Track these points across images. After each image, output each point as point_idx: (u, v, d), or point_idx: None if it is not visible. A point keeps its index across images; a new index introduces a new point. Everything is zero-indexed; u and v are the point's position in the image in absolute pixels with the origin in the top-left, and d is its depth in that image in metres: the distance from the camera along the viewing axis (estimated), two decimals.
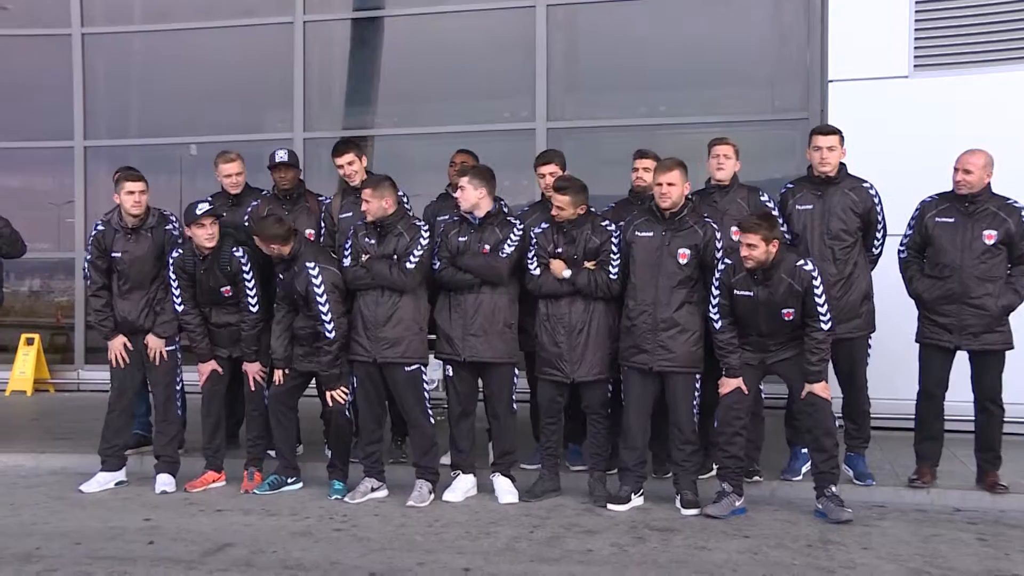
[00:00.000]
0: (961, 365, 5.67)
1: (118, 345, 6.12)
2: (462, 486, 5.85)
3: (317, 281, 5.65)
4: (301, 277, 5.69)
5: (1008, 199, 5.56)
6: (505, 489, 5.80)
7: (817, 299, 5.22)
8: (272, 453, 6.19)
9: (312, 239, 6.32)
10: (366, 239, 5.75)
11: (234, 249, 5.93)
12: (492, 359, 5.72)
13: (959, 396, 5.71)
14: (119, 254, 6.03)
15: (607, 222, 5.75)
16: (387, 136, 10.00)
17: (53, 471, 6.64)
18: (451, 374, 5.84)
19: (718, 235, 5.55)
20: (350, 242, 5.84)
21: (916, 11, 7.68)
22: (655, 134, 9.19)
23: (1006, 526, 5.28)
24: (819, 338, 5.26)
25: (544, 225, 5.81)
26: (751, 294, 5.28)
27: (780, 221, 5.60)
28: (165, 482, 6.08)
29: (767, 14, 9.16)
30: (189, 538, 5.07)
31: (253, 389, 6.10)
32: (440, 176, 6.65)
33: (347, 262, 5.78)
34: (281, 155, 6.54)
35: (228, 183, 6.62)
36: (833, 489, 5.35)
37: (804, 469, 5.92)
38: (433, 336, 5.98)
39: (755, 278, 5.26)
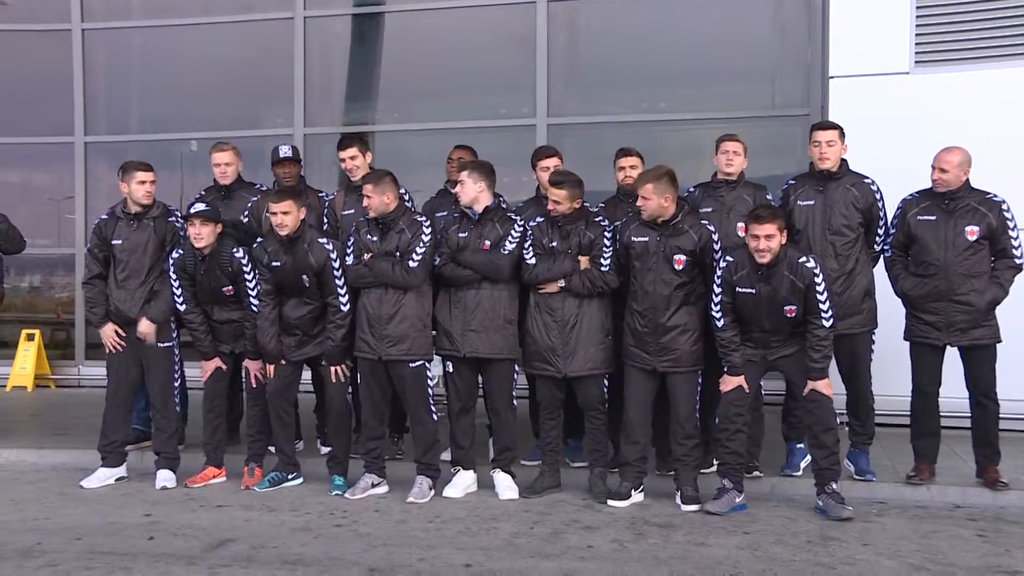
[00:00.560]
0: (954, 362, 5.67)
1: (109, 332, 6.11)
2: (462, 482, 5.85)
3: (334, 254, 5.72)
4: (315, 251, 5.72)
5: (988, 193, 5.57)
6: (505, 485, 5.80)
7: (819, 295, 5.22)
8: (272, 449, 6.19)
9: None
10: (368, 236, 5.75)
11: (234, 250, 5.94)
12: (492, 355, 5.71)
13: (955, 392, 5.72)
14: (119, 241, 6.04)
15: (600, 217, 5.77)
16: (387, 132, 9.98)
17: (54, 467, 6.65)
18: (451, 370, 5.84)
19: (715, 236, 5.55)
20: (352, 239, 5.83)
21: (917, 7, 7.67)
22: (656, 130, 9.19)
23: (1006, 522, 5.29)
24: (820, 335, 5.26)
25: (539, 219, 5.82)
26: (754, 291, 5.28)
27: None
28: (165, 478, 6.09)
29: (768, 10, 9.14)
30: (189, 533, 5.07)
31: (255, 386, 6.11)
32: (440, 172, 6.64)
33: (350, 260, 5.77)
34: (285, 151, 6.55)
35: (218, 172, 6.62)
36: (834, 486, 5.36)
37: (803, 464, 5.93)
38: (434, 332, 5.99)
39: (759, 274, 5.25)
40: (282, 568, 4.52)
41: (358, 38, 10.36)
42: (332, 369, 5.86)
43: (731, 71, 9.16)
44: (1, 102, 10.55)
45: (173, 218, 6.18)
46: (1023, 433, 6.96)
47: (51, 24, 10.52)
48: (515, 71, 9.58)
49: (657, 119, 9.41)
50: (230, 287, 5.98)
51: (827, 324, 5.26)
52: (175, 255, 6.00)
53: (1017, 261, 5.55)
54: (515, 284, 5.77)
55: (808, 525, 5.20)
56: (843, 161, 5.81)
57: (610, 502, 5.58)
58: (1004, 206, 5.52)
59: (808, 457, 5.71)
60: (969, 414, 5.75)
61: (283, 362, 5.94)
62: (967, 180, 5.55)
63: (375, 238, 5.73)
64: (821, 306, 5.23)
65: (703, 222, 5.61)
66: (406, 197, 6.35)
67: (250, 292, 5.96)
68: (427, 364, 5.78)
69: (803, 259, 5.27)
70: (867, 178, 5.81)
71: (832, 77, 7.88)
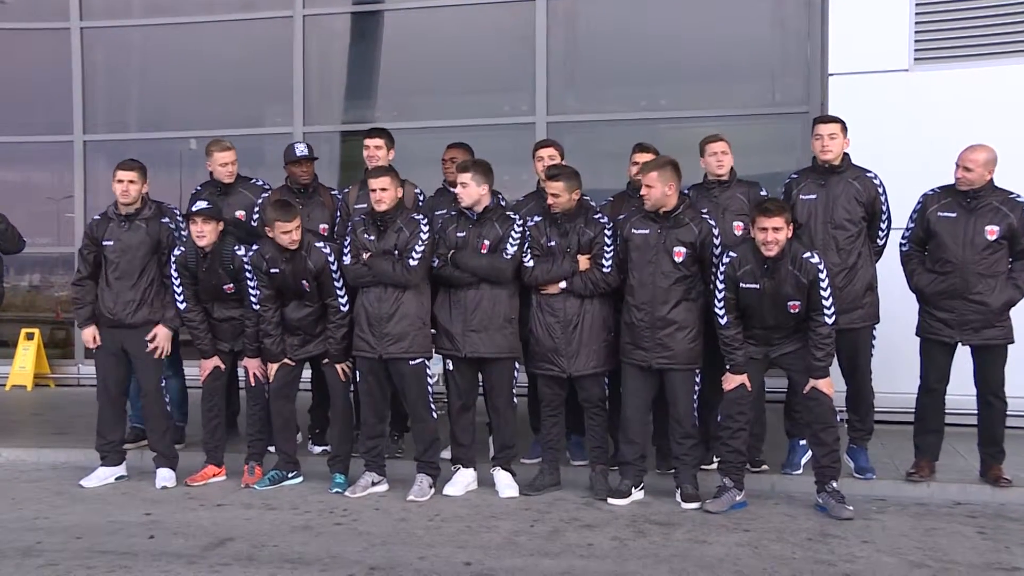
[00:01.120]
0: (961, 359, 5.67)
1: (88, 336, 6.11)
2: (462, 480, 5.85)
3: (332, 257, 5.74)
4: (313, 256, 5.75)
5: (1011, 193, 5.54)
6: (505, 483, 5.80)
7: (822, 292, 5.21)
8: (272, 448, 6.19)
9: (325, 234, 6.32)
10: (365, 235, 5.74)
11: (236, 248, 5.93)
12: (492, 355, 5.71)
13: (958, 390, 5.72)
14: (111, 242, 6.03)
15: (599, 214, 5.75)
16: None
17: (54, 465, 6.65)
18: (451, 368, 5.84)
19: (715, 231, 5.54)
20: (349, 239, 5.82)
21: (916, 4, 7.65)
22: (655, 128, 9.17)
23: (1006, 519, 5.29)
24: (823, 333, 5.25)
25: (537, 218, 5.80)
26: (757, 287, 5.27)
27: None
28: (165, 477, 6.09)
29: (767, 7, 9.13)
30: (190, 532, 5.07)
31: (253, 384, 6.10)
32: (440, 170, 6.64)
33: (347, 260, 5.76)
34: (301, 149, 6.52)
35: (223, 172, 6.61)
36: (834, 484, 5.36)
37: (803, 461, 5.93)
38: (434, 331, 5.98)
39: (764, 268, 5.24)
40: (282, 567, 4.52)
41: (357, 36, 10.35)
42: (338, 367, 5.87)
43: (731, 68, 9.15)
44: (0, 101, 10.53)
45: (167, 219, 6.15)
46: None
47: (50, 22, 10.51)
48: (515, 69, 9.58)
49: (657, 117, 9.39)
50: (231, 285, 5.98)
51: (829, 322, 5.25)
52: (177, 252, 5.99)
53: None
54: (516, 283, 5.76)
55: (808, 523, 5.20)
56: (845, 155, 5.79)
57: (610, 500, 5.57)
58: None
59: (809, 453, 5.71)
60: (971, 411, 5.75)
61: (287, 361, 5.95)
62: (991, 179, 5.52)
63: (372, 236, 5.71)
64: (824, 303, 5.22)
65: (704, 215, 5.61)
66: (421, 197, 6.37)
67: (251, 290, 5.96)
68: (427, 362, 5.78)
69: (808, 255, 5.26)
70: (870, 172, 5.79)
71: (832, 74, 7.86)
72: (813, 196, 5.77)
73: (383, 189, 5.66)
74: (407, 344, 5.66)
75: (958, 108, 7.29)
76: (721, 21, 9.08)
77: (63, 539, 4.97)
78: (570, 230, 5.65)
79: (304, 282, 5.79)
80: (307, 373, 6.26)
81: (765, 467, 5.95)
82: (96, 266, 6.11)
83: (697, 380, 5.56)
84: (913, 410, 5.86)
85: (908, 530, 5.08)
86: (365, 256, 5.67)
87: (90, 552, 4.75)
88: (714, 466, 5.83)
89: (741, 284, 5.30)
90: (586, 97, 9.70)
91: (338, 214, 6.49)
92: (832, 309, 5.25)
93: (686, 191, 5.98)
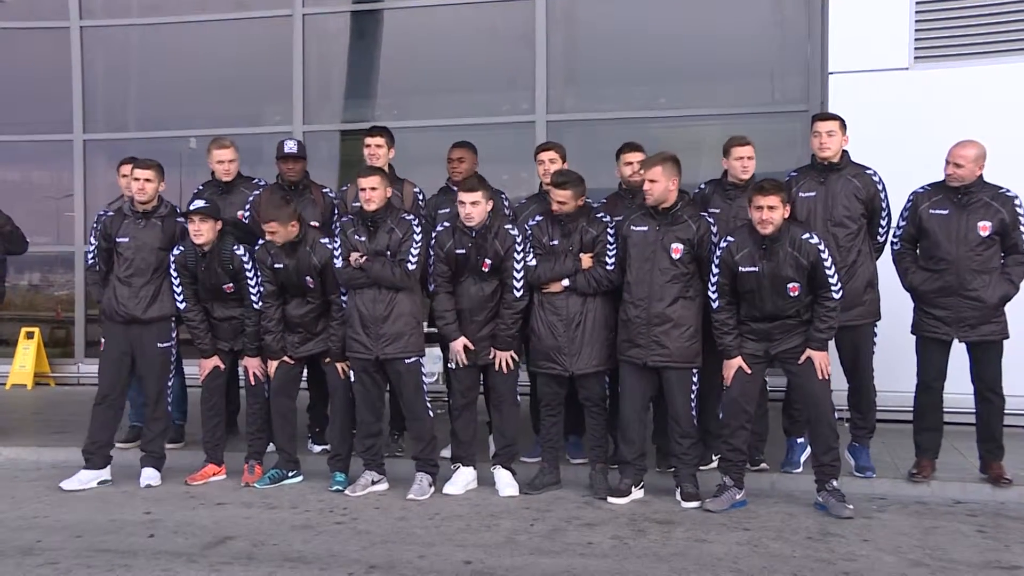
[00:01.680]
0: (958, 357, 5.67)
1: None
2: (462, 479, 5.85)
3: (337, 253, 5.73)
4: (318, 252, 5.77)
5: (1001, 188, 5.55)
6: (505, 482, 5.80)
7: (827, 270, 5.19)
8: (272, 447, 6.19)
9: None
10: (356, 235, 5.71)
11: (235, 247, 5.93)
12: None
13: (957, 388, 5.71)
14: (125, 239, 6.02)
15: (602, 213, 5.75)
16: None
17: (54, 464, 6.64)
18: (453, 367, 5.84)
19: (714, 229, 5.54)
20: (339, 240, 5.77)
21: (917, 3, 7.65)
22: (655, 127, 9.18)
23: (1006, 518, 5.29)
24: (830, 306, 5.24)
25: (539, 217, 5.79)
26: (756, 269, 5.25)
27: None
28: (150, 476, 6.08)
29: (767, 6, 9.14)
30: (190, 531, 5.07)
31: (253, 384, 6.10)
32: (440, 169, 6.64)
33: (339, 263, 5.73)
34: (291, 146, 6.52)
35: (221, 170, 6.60)
36: (835, 483, 5.35)
37: (803, 459, 5.93)
38: (433, 329, 5.99)
39: (762, 249, 5.23)
40: (282, 565, 4.52)
41: (357, 35, 10.35)
42: (338, 366, 5.87)
43: (731, 67, 9.15)
44: (0, 100, 10.53)
45: (182, 218, 6.15)
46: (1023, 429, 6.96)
47: (50, 21, 10.52)
48: (514, 68, 9.58)
49: (656, 115, 9.41)
50: (231, 284, 5.97)
51: (837, 296, 5.24)
52: (176, 252, 5.99)
53: None
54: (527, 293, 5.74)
55: (808, 521, 5.20)
56: (844, 152, 5.79)
57: (610, 499, 5.57)
58: (1017, 201, 5.49)
59: (808, 450, 5.72)
60: (971, 409, 5.74)
61: (287, 359, 5.95)
62: (981, 175, 5.52)
63: (363, 237, 5.69)
64: (830, 280, 5.21)
65: (703, 214, 5.60)
66: (420, 196, 6.36)
67: (251, 289, 5.96)
68: (421, 361, 5.77)
69: (806, 235, 5.25)
70: (869, 169, 5.79)
71: (832, 73, 7.86)
72: (813, 194, 5.76)
73: (373, 188, 5.65)
74: (403, 344, 5.66)
75: (958, 107, 7.29)
76: (721, 20, 9.09)
77: (63, 538, 4.97)
78: (573, 229, 5.65)
79: (308, 278, 5.79)
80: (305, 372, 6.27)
81: (765, 466, 5.95)
82: (109, 263, 6.12)
83: (695, 380, 5.55)
84: (912, 409, 5.86)
85: (908, 529, 5.08)
86: (360, 259, 5.64)
87: (90, 551, 4.75)
88: (713, 465, 5.84)
89: (740, 268, 5.28)
90: (586, 96, 9.71)
91: (335, 212, 6.48)
92: (839, 285, 5.24)
93: (701, 187, 5.98)
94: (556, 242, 5.66)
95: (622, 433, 5.63)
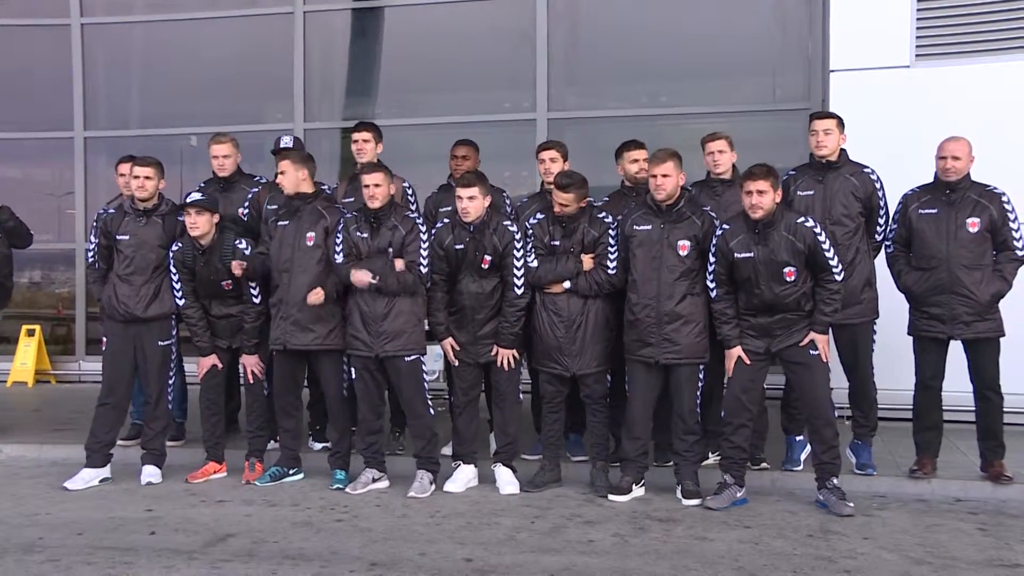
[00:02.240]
0: (958, 356, 5.67)
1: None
2: (463, 477, 5.85)
3: (339, 249, 5.75)
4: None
5: (988, 186, 5.58)
6: (506, 480, 5.80)
7: (826, 252, 5.19)
8: (273, 444, 6.19)
9: None
10: (358, 232, 5.70)
11: (237, 241, 5.93)
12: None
13: (957, 386, 5.72)
14: (126, 236, 6.02)
15: (604, 214, 5.73)
16: (388, 127, 9.88)
17: (55, 462, 6.65)
18: (456, 365, 5.84)
19: (717, 222, 5.53)
20: (341, 237, 5.77)
21: (918, 0, 7.65)
22: (656, 124, 9.18)
23: (1007, 516, 5.29)
24: (833, 288, 5.25)
25: (540, 216, 5.78)
26: (751, 254, 5.24)
27: None
28: (151, 473, 6.09)
29: (768, 3, 9.13)
30: (190, 529, 5.08)
31: (252, 381, 6.10)
32: (441, 167, 6.64)
33: (339, 259, 5.72)
34: (286, 140, 6.54)
35: (215, 165, 6.61)
36: (835, 481, 5.36)
37: (803, 457, 5.93)
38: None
39: (756, 234, 5.22)
40: (283, 563, 4.52)
41: (358, 33, 10.35)
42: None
43: (732, 65, 9.15)
44: (1, 97, 10.54)
45: (183, 216, 6.14)
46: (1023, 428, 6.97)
47: (50, 19, 10.52)
48: (515, 65, 9.58)
49: (657, 113, 9.41)
50: (229, 281, 5.97)
51: (839, 278, 5.25)
52: (175, 247, 5.99)
53: (1019, 253, 5.55)
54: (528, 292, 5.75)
55: (809, 519, 5.20)
56: (842, 151, 5.80)
57: (611, 496, 5.58)
58: (1004, 198, 5.53)
59: (808, 449, 5.72)
60: (971, 408, 5.75)
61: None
62: (968, 172, 5.55)
63: (365, 234, 5.69)
64: (831, 262, 5.21)
65: (705, 209, 5.61)
66: (410, 192, 6.35)
67: (251, 285, 5.95)
68: (421, 358, 5.77)
69: (801, 219, 5.25)
70: (867, 167, 5.80)
71: (833, 71, 7.86)
72: (811, 192, 5.77)
73: (376, 185, 5.64)
74: (403, 341, 5.65)
75: (960, 105, 7.29)
76: (722, 17, 9.08)
77: (64, 535, 4.97)
78: (574, 229, 5.64)
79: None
80: None
81: (765, 464, 5.95)
82: (109, 261, 6.11)
83: (701, 376, 5.56)
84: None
85: (909, 527, 5.08)
86: (372, 280, 5.56)
87: (91, 548, 4.75)
88: (710, 461, 5.84)
89: (735, 255, 5.27)
90: (587, 94, 9.71)
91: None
92: (840, 267, 5.25)
93: (688, 188, 5.98)
94: (557, 242, 5.65)
95: (628, 430, 5.63)
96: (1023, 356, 6.19)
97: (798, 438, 5.96)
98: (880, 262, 5.89)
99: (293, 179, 5.83)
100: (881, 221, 5.84)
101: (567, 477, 5.92)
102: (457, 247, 5.68)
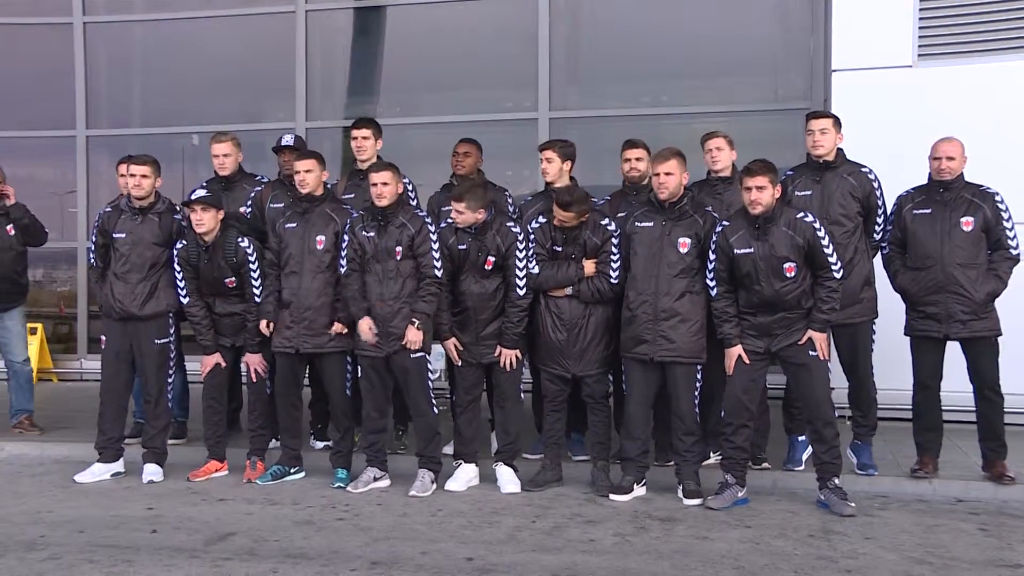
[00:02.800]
0: (958, 355, 5.67)
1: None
2: (464, 476, 5.86)
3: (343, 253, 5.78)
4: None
5: (981, 186, 5.59)
6: (507, 479, 5.80)
7: (824, 249, 5.19)
8: (275, 443, 6.20)
9: None
10: (364, 232, 5.70)
11: (239, 239, 5.93)
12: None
13: (957, 386, 5.71)
14: (122, 235, 6.02)
15: (607, 220, 5.70)
16: (390, 125, 9.89)
17: (57, 460, 6.66)
18: (458, 364, 5.84)
19: (718, 220, 5.53)
20: (347, 240, 5.73)
21: (920, 0, 7.65)
22: (658, 123, 9.18)
23: (1008, 516, 5.28)
24: (832, 286, 5.24)
25: (541, 220, 5.77)
26: (751, 250, 5.24)
27: None
28: (153, 472, 6.09)
29: (771, 3, 9.14)
30: (192, 527, 5.08)
31: (255, 380, 6.11)
32: (443, 165, 6.64)
33: (343, 266, 5.70)
34: (287, 139, 6.55)
35: (216, 163, 6.63)
36: (836, 481, 5.35)
37: (804, 457, 5.93)
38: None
39: (756, 229, 5.22)
40: (284, 561, 4.52)
41: (360, 32, 10.35)
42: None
43: (733, 64, 9.15)
44: (2, 96, 10.55)
45: (179, 215, 6.16)
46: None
47: (52, 17, 10.53)
48: (517, 65, 9.58)
49: (659, 112, 9.41)
50: (233, 279, 5.97)
51: (837, 276, 5.25)
52: (178, 245, 6.00)
53: (1014, 252, 5.56)
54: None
55: (810, 519, 5.20)
56: (840, 151, 5.81)
57: (612, 496, 5.57)
58: (998, 198, 5.54)
59: (810, 448, 5.71)
60: (971, 408, 5.75)
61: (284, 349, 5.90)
62: (962, 172, 5.57)
63: (372, 233, 5.68)
64: (829, 259, 5.21)
65: (707, 208, 5.61)
66: (410, 188, 6.35)
67: (254, 283, 5.96)
68: (427, 357, 5.78)
69: (800, 215, 5.25)
70: (864, 167, 5.80)
71: (835, 70, 7.86)
72: (808, 192, 5.77)
73: (384, 184, 5.63)
74: None
75: (962, 105, 7.28)
76: (724, 17, 9.08)
77: (66, 533, 4.98)
78: (576, 235, 5.63)
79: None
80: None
81: (767, 464, 5.95)
82: (107, 259, 6.12)
83: (699, 376, 5.55)
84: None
85: (910, 527, 5.08)
86: (373, 340, 5.59)
87: (93, 546, 4.76)
88: (711, 460, 5.84)
89: (735, 251, 5.27)
90: (589, 93, 9.71)
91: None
92: (838, 264, 5.24)
93: (688, 187, 5.98)
94: (559, 247, 5.65)
95: (627, 430, 5.63)
96: (1023, 356, 6.19)
97: (800, 438, 5.96)
98: (878, 262, 5.89)
99: (317, 179, 5.84)
100: (880, 221, 5.83)
101: (568, 476, 5.92)
102: (460, 247, 5.69)
